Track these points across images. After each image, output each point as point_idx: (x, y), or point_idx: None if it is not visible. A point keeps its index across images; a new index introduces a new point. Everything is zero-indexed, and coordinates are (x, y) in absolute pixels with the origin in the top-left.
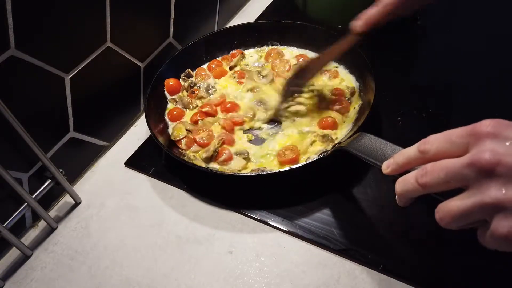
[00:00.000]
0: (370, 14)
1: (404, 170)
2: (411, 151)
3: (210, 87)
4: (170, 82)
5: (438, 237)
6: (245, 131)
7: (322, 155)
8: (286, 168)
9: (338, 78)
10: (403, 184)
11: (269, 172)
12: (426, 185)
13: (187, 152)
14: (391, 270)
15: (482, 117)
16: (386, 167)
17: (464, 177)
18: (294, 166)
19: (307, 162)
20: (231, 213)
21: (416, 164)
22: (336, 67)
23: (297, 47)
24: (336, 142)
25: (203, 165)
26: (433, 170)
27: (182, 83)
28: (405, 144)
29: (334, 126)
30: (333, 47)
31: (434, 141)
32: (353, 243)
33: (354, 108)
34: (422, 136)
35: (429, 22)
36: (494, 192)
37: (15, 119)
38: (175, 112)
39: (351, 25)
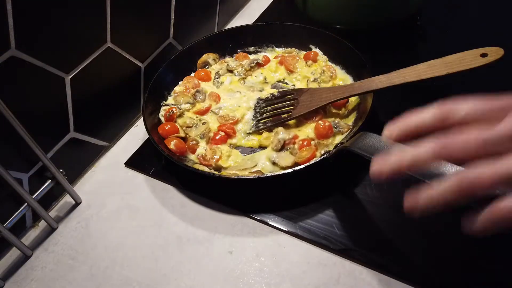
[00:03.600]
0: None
1: (412, 135)
2: (427, 112)
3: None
4: (167, 126)
5: (438, 237)
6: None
7: (325, 155)
8: (289, 170)
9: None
10: (414, 152)
11: (271, 174)
12: (449, 154)
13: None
14: (391, 270)
15: None
16: (389, 132)
17: (501, 144)
18: (297, 168)
19: (310, 163)
20: (231, 213)
21: (429, 129)
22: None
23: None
24: (337, 142)
25: (206, 169)
26: (462, 138)
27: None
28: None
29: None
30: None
31: (463, 104)
32: (353, 243)
33: (353, 108)
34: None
35: (429, 22)
36: None
37: (15, 119)
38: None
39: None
